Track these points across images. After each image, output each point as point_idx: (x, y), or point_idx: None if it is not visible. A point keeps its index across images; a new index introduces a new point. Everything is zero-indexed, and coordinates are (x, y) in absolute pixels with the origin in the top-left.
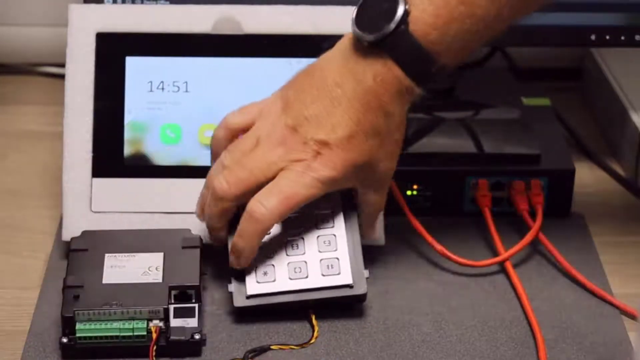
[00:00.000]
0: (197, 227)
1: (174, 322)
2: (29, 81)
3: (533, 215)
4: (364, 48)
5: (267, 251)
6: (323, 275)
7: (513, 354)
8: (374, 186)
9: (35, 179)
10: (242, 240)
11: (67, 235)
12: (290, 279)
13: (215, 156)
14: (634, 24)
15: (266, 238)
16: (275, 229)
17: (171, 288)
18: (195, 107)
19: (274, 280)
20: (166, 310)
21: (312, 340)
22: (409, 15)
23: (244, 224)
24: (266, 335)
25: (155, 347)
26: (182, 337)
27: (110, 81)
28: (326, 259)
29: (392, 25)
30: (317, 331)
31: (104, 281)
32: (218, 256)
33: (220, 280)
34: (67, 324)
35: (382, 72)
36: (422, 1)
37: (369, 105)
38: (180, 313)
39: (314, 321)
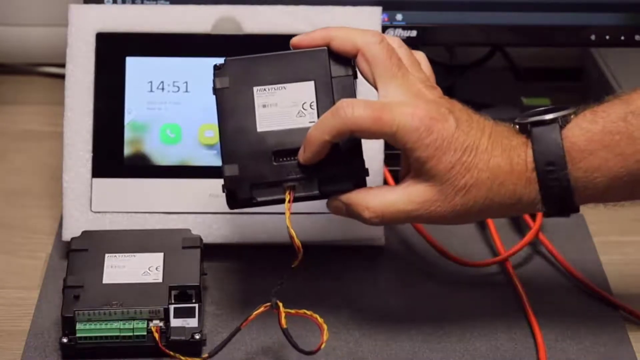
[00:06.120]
0: (197, 227)
1: (174, 322)
2: (29, 81)
3: (533, 215)
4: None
5: None
6: None
7: (513, 354)
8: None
9: (35, 179)
10: (315, 130)
11: (67, 235)
12: None
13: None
14: (634, 24)
15: None
16: None
17: (171, 288)
18: (195, 107)
19: None
20: (166, 310)
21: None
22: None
23: (326, 116)
24: (267, 336)
25: (156, 347)
26: (182, 337)
27: (110, 81)
28: None
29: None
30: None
31: (104, 281)
32: (218, 256)
33: (220, 280)
34: (67, 324)
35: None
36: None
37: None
38: (180, 313)
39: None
